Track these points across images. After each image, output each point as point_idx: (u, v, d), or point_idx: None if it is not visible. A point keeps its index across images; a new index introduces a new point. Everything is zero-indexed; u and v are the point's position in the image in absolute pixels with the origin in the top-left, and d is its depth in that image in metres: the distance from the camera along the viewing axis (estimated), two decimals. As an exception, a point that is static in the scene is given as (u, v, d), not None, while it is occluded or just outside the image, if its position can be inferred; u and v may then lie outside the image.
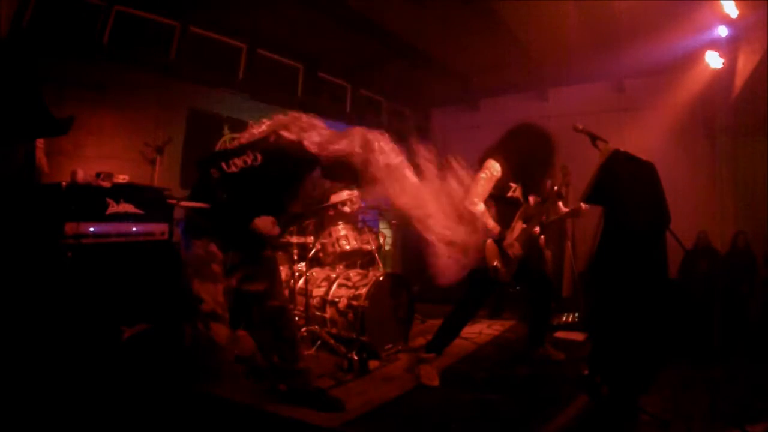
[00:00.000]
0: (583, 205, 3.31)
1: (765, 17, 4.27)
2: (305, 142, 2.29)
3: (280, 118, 2.42)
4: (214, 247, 2.24)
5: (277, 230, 2.35)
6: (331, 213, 2.65)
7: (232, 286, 2.39)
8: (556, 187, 3.30)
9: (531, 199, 3.32)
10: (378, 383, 2.96)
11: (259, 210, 2.28)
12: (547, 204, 3.33)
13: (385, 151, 2.29)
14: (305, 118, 2.41)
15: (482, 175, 3.07)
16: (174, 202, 2.24)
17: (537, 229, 3.25)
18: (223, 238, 2.26)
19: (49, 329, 2.45)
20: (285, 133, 2.31)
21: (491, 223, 3.01)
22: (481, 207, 3.01)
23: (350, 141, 2.29)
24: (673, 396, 2.65)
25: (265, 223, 2.27)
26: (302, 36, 5.55)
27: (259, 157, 2.23)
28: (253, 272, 2.43)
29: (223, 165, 2.19)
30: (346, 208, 2.63)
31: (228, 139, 5.19)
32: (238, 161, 2.19)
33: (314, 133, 2.31)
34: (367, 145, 2.28)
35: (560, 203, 3.28)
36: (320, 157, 2.31)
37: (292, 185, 2.40)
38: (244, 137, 2.41)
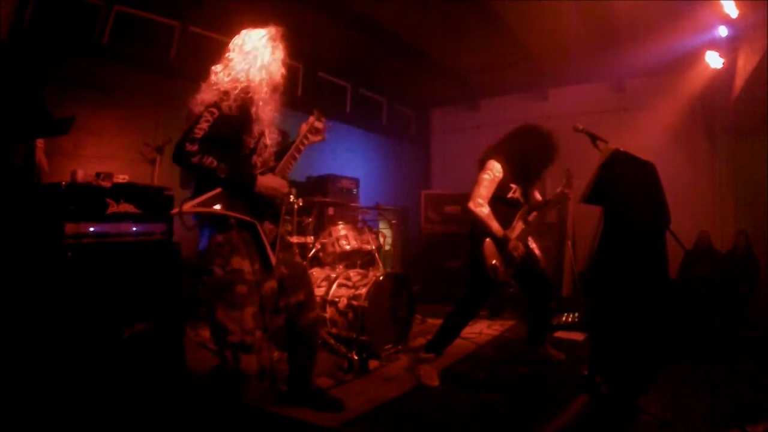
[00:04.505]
0: (566, 191, 3.29)
1: (765, 17, 4.26)
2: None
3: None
4: (236, 261, 2.06)
5: (285, 185, 2.26)
6: (306, 144, 2.45)
7: (273, 289, 2.24)
8: (559, 189, 3.30)
9: (536, 194, 3.31)
10: (378, 383, 2.96)
11: (242, 162, 2.16)
12: (549, 206, 3.34)
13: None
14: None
15: (485, 176, 3.06)
16: (176, 211, 2.01)
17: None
18: (242, 215, 2.09)
19: (49, 329, 2.45)
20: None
21: (496, 226, 3.00)
22: (486, 209, 3.00)
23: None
24: (673, 396, 2.65)
25: (271, 180, 2.18)
26: (302, 36, 5.54)
27: (216, 111, 2.09)
28: (292, 281, 2.35)
29: (192, 137, 2.02)
30: (318, 137, 2.51)
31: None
32: (203, 125, 2.04)
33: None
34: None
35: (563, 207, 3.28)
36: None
37: (250, 118, 2.23)
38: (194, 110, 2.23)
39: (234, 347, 2.00)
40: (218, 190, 2.06)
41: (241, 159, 2.19)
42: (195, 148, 1.99)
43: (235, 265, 2.06)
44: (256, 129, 2.23)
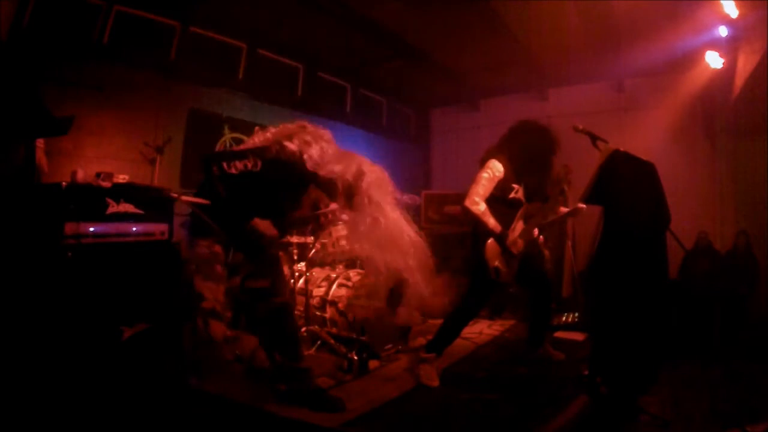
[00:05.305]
0: (581, 205, 3.30)
1: (765, 17, 4.27)
2: (304, 156, 2.33)
3: (287, 126, 2.47)
4: (218, 248, 2.31)
5: (275, 231, 2.39)
6: (322, 221, 2.77)
7: (236, 284, 2.43)
8: (557, 186, 3.29)
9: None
10: (378, 383, 2.96)
11: (257, 212, 2.33)
12: (549, 203, 3.33)
13: (374, 185, 2.33)
14: (311, 129, 2.44)
15: (484, 174, 3.05)
16: (175, 196, 2.34)
17: (536, 230, 3.25)
18: (225, 236, 2.32)
19: (49, 329, 2.45)
20: (288, 144, 2.35)
21: (492, 222, 3.00)
22: (482, 207, 3.00)
23: (345, 167, 2.33)
24: (673, 396, 2.65)
25: (263, 223, 2.34)
26: (302, 36, 5.56)
27: (260, 164, 2.30)
28: (256, 269, 2.46)
29: (224, 165, 2.26)
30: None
31: (228, 140, 5.19)
32: (239, 164, 2.27)
33: (316, 148, 2.35)
34: (359, 176, 2.31)
35: (561, 204, 3.27)
36: (316, 171, 2.36)
37: (290, 193, 2.47)
38: (250, 143, 2.49)
39: (206, 314, 2.25)
40: (209, 202, 2.29)
41: (255, 208, 2.36)
42: (218, 172, 2.26)
43: (217, 250, 2.35)
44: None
